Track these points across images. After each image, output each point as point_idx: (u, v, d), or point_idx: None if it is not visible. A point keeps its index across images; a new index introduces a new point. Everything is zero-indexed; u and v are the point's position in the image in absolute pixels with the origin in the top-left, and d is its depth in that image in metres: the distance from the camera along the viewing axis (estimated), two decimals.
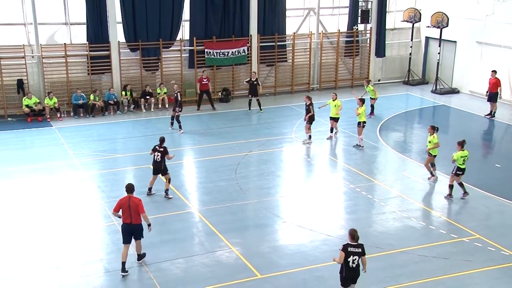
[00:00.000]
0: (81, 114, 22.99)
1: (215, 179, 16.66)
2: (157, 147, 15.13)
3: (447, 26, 25.73)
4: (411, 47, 28.24)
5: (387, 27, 28.05)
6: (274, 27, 26.06)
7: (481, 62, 25.23)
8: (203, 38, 24.84)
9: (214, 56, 24.97)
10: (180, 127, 20.89)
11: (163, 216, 14.23)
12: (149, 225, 11.72)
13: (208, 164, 18.01)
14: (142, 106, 23.72)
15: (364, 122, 18.90)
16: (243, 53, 25.45)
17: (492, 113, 22.41)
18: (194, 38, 24.66)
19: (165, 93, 24.09)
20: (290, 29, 26.68)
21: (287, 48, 26.73)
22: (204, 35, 24.87)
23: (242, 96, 25.95)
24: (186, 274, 11.70)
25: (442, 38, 26.29)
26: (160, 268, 11.84)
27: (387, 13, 27.85)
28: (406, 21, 27.69)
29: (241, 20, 25.35)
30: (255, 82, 23.47)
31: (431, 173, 16.39)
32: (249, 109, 23.69)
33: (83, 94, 22.92)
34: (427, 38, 28.49)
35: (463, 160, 14.74)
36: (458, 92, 26.50)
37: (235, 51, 25.27)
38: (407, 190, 15.86)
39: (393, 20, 28.47)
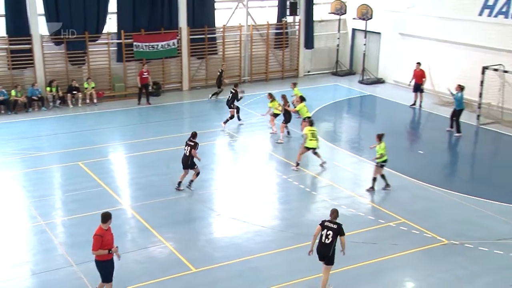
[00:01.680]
0: (2, 111, 21.92)
1: (147, 174, 16.41)
2: (188, 141, 15.10)
3: (372, 18, 26.52)
4: (338, 38, 28.90)
5: (315, 19, 28.55)
6: (204, 19, 25.89)
7: (403, 53, 26.18)
8: (131, 31, 24.28)
9: (143, 49, 24.49)
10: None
11: (93, 214, 13.85)
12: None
13: (140, 159, 17.70)
14: (69, 102, 22.92)
15: (309, 117, 19.04)
16: (173, 46, 25.13)
17: (420, 103, 23.13)
18: (122, 31, 24.07)
19: (93, 87, 23.41)
20: (220, 21, 26.60)
21: (217, 41, 26.65)
22: (132, 28, 24.32)
23: (173, 90, 25.69)
24: (118, 271, 11.40)
25: (367, 29, 27.09)
26: (90, 267, 11.46)
27: (314, 5, 28.33)
28: (333, 13, 28.29)
29: (169, 13, 25.00)
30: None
31: (298, 163, 16.73)
32: (210, 97, 24.03)
33: (3, 90, 21.84)
34: (353, 30, 29.25)
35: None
36: (383, 82, 27.40)
37: (164, 44, 24.90)
38: (337, 179, 16.27)
39: (320, 12, 29.00)
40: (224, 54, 26.70)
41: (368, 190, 15.28)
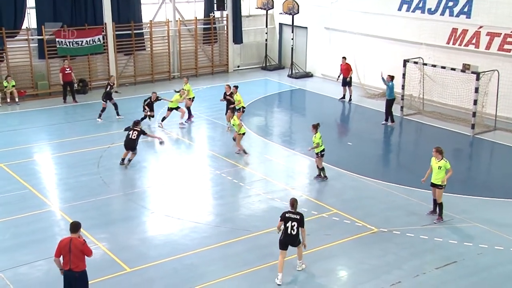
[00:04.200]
0: None
1: (76, 174, 15.91)
2: (131, 127, 16.43)
3: (298, 12, 26.94)
4: (266, 33, 29.16)
5: (242, 14, 28.65)
6: (130, 14, 25.36)
7: (330, 47, 26.81)
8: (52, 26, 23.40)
9: (67, 45, 23.66)
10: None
11: (19, 217, 13.30)
12: None
13: (68, 159, 17.13)
14: None
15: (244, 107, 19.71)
16: (99, 42, 24.44)
17: (349, 97, 23.66)
18: (43, 26, 23.13)
19: (13, 86, 22.36)
20: (146, 17, 26.14)
21: (144, 36, 26.18)
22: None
23: (100, 87, 24.97)
24: (49, 276, 11.06)
25: (294, 24, 27.49)
26: (18, 273, 11.07)
27: (242, 0, 28.43)
28: (260, 8, 28.51)
29: (93, 7, 24.30)
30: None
31: (244, 151, 17.22)
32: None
33: None
34: (280, 25, 29.60)
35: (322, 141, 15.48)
36: (312, 75, 27.94)
37: (89, 40, 24.17)
38: (270, 172, 16.46)
39: (248, 7, 29.13)
40: (152, 50, 26.27)
41: (316, 178, 15.81)
